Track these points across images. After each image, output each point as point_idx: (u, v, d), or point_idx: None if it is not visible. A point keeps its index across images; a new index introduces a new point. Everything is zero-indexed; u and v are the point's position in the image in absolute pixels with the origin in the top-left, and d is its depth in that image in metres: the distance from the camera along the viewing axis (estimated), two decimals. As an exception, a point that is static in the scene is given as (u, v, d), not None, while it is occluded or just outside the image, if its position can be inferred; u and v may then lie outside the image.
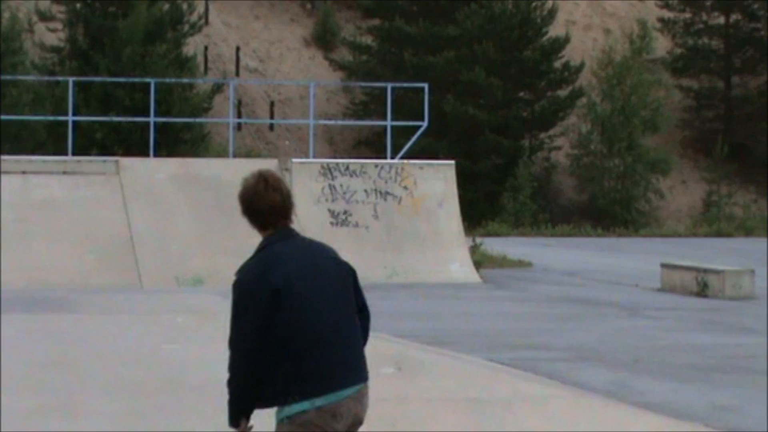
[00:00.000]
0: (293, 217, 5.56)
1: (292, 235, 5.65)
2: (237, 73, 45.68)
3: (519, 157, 42.57)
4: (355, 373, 5.32)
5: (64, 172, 21.70)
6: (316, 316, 5.29)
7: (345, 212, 21.90)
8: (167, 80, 32.12)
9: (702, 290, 19.68)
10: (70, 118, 24.04)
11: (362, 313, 5.50)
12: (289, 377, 5.27)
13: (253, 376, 5.34)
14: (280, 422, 5.42)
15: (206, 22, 44.84)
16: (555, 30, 45.33)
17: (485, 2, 43.79)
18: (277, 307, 5.23)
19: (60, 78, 32.22)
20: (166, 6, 37.81)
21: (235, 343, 5.27)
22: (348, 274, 5.59)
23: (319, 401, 5.24)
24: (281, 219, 5.65)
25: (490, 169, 42.95)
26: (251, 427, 5.36)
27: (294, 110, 45.23)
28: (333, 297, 5.41)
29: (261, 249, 5.57)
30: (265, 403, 5.41)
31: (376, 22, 46.19)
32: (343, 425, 5.26)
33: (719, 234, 37.65)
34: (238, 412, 5.40)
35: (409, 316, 15.79)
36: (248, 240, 21.39)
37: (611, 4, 53.15)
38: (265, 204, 5.68)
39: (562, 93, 45.00)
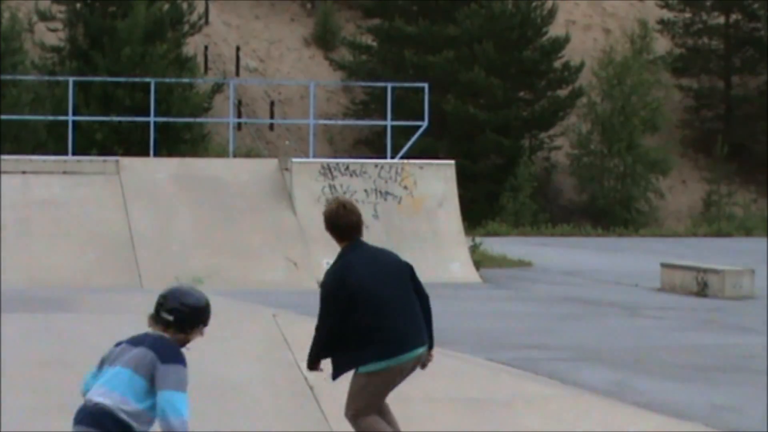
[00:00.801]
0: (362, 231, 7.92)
1: (362, 245, 7.99)
2: (237, 73, 45.68)
3: (519, 157, 42.57)
4: (416, 339, 7.75)
5: (64, 172, 21.70)
6: (385, 304, 7.66)
7: (345, 212, 21.90)
8: (167, 80, 32.11)
9: (702, 290, 19.68)
10: (70, 118, 24.03)
11: (420, 295, 7.90)
12: (368, 346, 7.62)
13: (327, 353, 7.79)
14: (358, 373, 7.72)
15: (206, 22, 44.84)
16: (555, 30, 45.33)
17: (485, 2, 43.79)
18: (354, 303, 7.59)
19: (60, 78, 32.22)
20: (166, 6, 37.80)
21: (319, 329, 7.76)
22: (405, 269, 8.01)
23: (391, 362, 7.64)
24: (355, 233, 8.01)
25: (490, 169, 42.96)
26: (322, 370, 7.83)
27: (294, 110, 45.23)
28: (396, 288, 7.80)
29: (341, 257, 7.93)
30: (350, 365, 7.74)
31: (376, 22, 46.19)
32: (401, 378, 7.81)
33: (719, 234, 37.65)
34: (316, 361, 7.86)
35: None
36: (248, 240, 21.44)
37: (611, 4, 53.15)
38: (344, 223, 7.99)
39: (562, 93, 45.00)
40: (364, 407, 7.71)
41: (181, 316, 6.22)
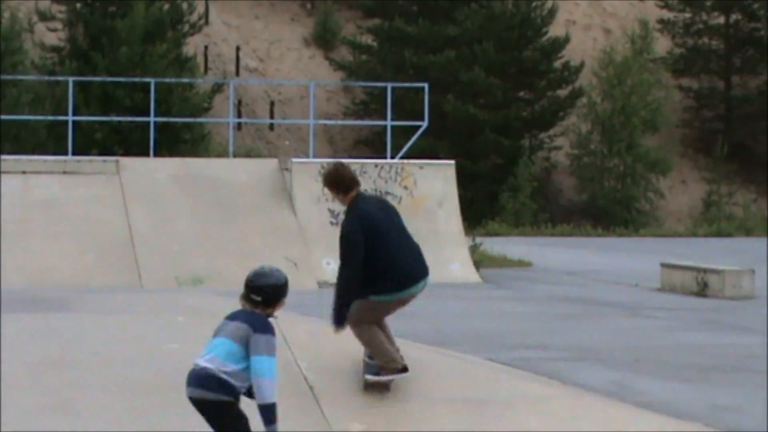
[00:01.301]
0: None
1: (366, 195, 9.63)
2: (237, 73, 45.69)
3: (519, 157, 42.58)
4: (421, 272, 9.40)
5: (64, 172, 21.69)
6: (395, 243, 9.30)
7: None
8: (167, 80, 32.11)
9: (702, 290, 19.67)
10: (70, 118, 24.03)
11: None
12: (383, 281, 9.18)
13: (358, 286, 9.12)
14: (368, 299, 9.19)
15: (206, 22, 44.83)
16: (555, 30, 45.34)
17: (485, 2, 43.80)
18: (372, 245, 9.02)
19: (60, 78, 32.22)
20: (166, 6, 37.80)
21: (348, 276, 9.10)
22: (398, 213, 9.79)
23: (402, 294, 9.33)
24: (356, 185, 9.50)
25: (490, 169, 42.97)
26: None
27: (294, 110, 45.23)
28: (400, 229, 9.59)
29: (352, 208, 9.37)
30: (363, 295, 9.20)
31: (376, 21, 46.20)
32: (406, 303, 9.42)
33: (719, 234, 37.65)
34: (342, 316, 9.20)
35: (409, 316, 15.77)
36: (248, 240, 21.39)
37: (611, 4, 53.15)
38: (346, 175, 9.48)
39: (562, 93, 45.01)
40: (367, 322, 9.32)
41: (266, 296, 7.81)
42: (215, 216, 21.22)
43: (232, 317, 7.82)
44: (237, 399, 7.51)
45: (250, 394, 7.57)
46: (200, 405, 7.48)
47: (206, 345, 7.77)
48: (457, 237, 22.26)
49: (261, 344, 7.51)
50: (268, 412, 7.38)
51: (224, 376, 7.47)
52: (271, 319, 7.74)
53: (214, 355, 7.59)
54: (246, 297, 7.89)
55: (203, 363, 7.57)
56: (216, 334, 7.80)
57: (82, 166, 21.95)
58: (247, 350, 7.53)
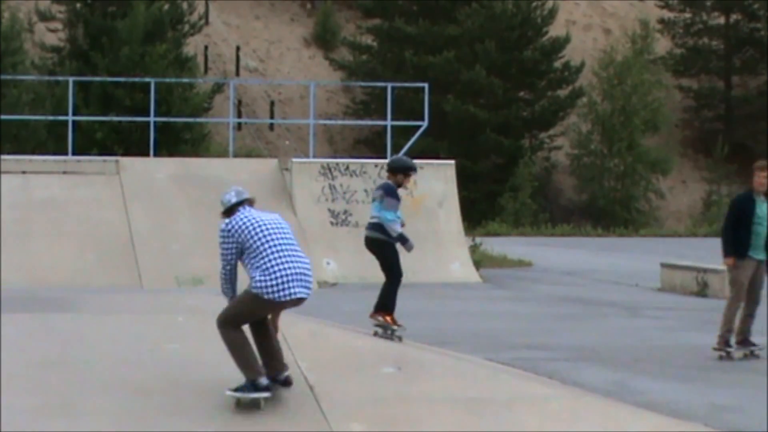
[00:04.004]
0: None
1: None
2: (237, 73, 45.70)
3: (519, 157, 42.58)
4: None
5: (64, 172, 21.70)
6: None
7: (345, 212, 21.91)
8: (167, 80, 32.11)
9: (702, 290, 19.68)
10: (70, 117, 24.03)
11: None
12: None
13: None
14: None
15: (206, 22, 44.86)
16: (555, 30, 45.35)
17: (486, 2, 43.80)
18: None
19: (60, 78, 32.22)
20: (166, 6, 37.81)
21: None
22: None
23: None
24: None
25: (490, 169, 42.97)
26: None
27: (294, 110, 45.23)
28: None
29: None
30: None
31: (376, 21, 46.20)
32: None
33: (719, 234, 37.61)
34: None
35: (409, 316, 15.77)
36: (248, 240, 20.67)
37: (611, 4, 53.15)
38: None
39: (563, 93, 45.01)
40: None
41: (394, 168, 11.96)
42: (215, 216, 21.14)
43: (377, 186, 12.16)
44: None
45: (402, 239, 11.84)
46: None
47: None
48: (457, 237, 22.27)
49: (386, 202, 11.74)
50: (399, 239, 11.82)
51: (377, 221, 11.78)
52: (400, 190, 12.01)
53: (373, 211, 11.88)
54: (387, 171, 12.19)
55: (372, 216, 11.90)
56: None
57: (82, 166, 21.95)
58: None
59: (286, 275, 8.68)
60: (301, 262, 8.81)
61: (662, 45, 48.97)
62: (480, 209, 39.25)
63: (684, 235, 37.71)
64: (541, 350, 13.06)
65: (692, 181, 47.30)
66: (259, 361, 8.78)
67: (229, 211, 9.03)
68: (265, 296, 8.64)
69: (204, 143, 37.32)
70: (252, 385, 8.69)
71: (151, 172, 22.10)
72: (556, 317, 16.53)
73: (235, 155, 28.03)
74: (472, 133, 42.61)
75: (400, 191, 12.03)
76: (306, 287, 8.78)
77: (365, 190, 22.04)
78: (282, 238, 8.81)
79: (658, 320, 16.35)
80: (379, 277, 21.01)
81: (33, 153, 28.61)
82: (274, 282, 8.65)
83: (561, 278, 22.66)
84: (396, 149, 24.67)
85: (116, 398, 8.91)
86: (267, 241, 8.76)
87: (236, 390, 8.72)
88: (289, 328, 10.49)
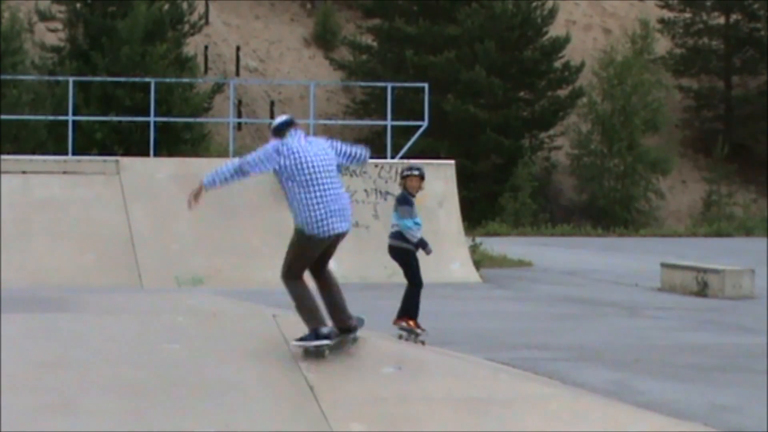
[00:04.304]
0: None
1: None
2: (237, 73, 45.70)
3: (519, 157, 42.58)
4: None
5: (64, 172, 21.69)
6: None
7: (345, 212, 21.89)
8: (167, 80, 32.11)
9: (702, 290, 19.67)
10: (70, 117, 24.03)
11: None
12: None
13: None
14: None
15: (206, 22, 44.86)
16: (555, 30, 45.35)
17: (486, 2, 43.81)
18: None
19: (60, 78, 32.22)
20: (166, 6, 37.81)
21: None
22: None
23: None
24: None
25: (490, 169, 42.97)
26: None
27: (294, 110, 45.23)
28: None
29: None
30: None
31: (376, 21, 46.20)
32: None
33: (719, 234, 37.66)
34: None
35: (409, 316, 15.78)
36: (248, 240, 21.43)
37: (611, 4, 53.16)
38: None
39: (563, 93, 45.02)
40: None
41: (401, 176, 13.12)
42: (215, 216, 21.21)
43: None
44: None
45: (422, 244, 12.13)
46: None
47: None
48: (457, 237, 22.26)
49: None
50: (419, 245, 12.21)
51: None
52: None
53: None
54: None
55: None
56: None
57: (82, 166, 21.95)
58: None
59: (327, 211, 9.38)
60: (341, 197, 9.49)
61: (662, 45, 48.97)
62: (480, 209, 39.25)
63: (684, 235, 37.71)
64: (541, 350, 13.06)
65: (692, 181, 47.30)
66: (321, 312, 9.52)
67: (280, 131, 9.56)
68: (307, 232, 9.40)
69: (204, 143, 37.33)
70: (314, 334, 9.42)
71: (151, 172, 22.09)
72: (556, 317, 16.53)
73: (235, 155, 27.99)
74: (472, 133, 42.61)
75: (400, 191, 12.33)
76: (346, 221, 9.51)
77: (365, 190, 22.03)
78: (326, 177, 9.43)
79: (658, 320, 16.35)
80: (379, 277, 21.07)
81: (33, 153, 28.61)
82: (315, 218, 9.38)
83: (561, 278, 22.65)
84: (396, 149, 24.67)
85: (116, 398, 8.91)
86: (312, 178, 9.38)
87: (301, 339, 9.49)
88: (289, 328, 10.48)
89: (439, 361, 10.76)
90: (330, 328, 9.53)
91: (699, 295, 19.55)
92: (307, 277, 9.95)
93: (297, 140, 9.53)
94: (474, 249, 23.75)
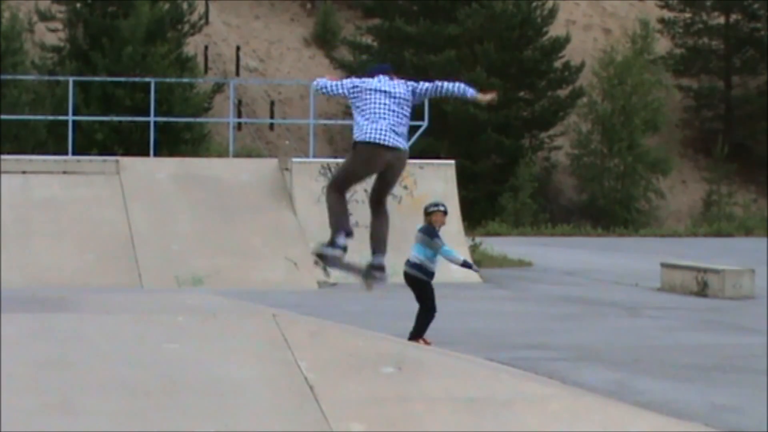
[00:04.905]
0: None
1: None
2: (237, 73, 45.70)
3: (519, 157, 42.57)
4: None
5: (65, 172, 21.71)
6: None
7: (345, 212, 21.89)
8: (167, 80, 32.11)
9: (702, 290, 19.68)
10: (70, 117, 24.04)
11: None
12: None
13: None
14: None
15: (206, 22, 44.85)
16: (555, 30, 45.34)
17: (486, 2, 43.80)
18: None
19: (60, 78, 32.23)
20: (166, 6, 37.82)
21: None
22: None
23: None
24: None
25: (490, 169, 42.96)
26: None
27: (294, 110, 45.24)
28: None
29: None
30: None
31: (376, 21, 46.19)
32: None
33: (719, 234, 37.66)
34: None
35: (409, 316, 15.79)
36: (248, 240, 21.46)
37: (611, 4, 53.16)
38: None
39: (563, 93, 45.01)
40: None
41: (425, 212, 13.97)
42: (215, 216, 21.22)
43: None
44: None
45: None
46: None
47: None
48: (457, 237, 22.27)
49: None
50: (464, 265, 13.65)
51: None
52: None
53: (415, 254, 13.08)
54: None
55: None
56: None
57: (82, 166, 21.96)
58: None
59: (378, 127, 9.98)
60: (398, 126, 10.03)
61: (662, 45, 48.97)
62: (480, 209, 39.24)
63: (684, 235, 37.71)
64: (541, 350, 13.07)
65: (692, 181, 47.31)
66: (345, 225, 10.46)
67: (369, 72, 10.27)
68: (358, 140, 9.99)
69: (204, 143, 37.34)
70: (330, 243, 10.46)
71: (151, 172, 22.10)
72: (556, 317, 16.53)
73: (235, 155, 28.04)
74: (472, 133, 42.60)
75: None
76: (397, 140, 9.98)
77: (365, 190, 21.95)
78: (386, 105, 10.05)
79: (658, 320, 16.36)
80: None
81: (33, 153, 28.61)
82: (366, 130, 10.02)
83: (561, 278, 22.66)
84: (396, 149, 24.65)
85: (116, 398, 8.91)
86: (368, 106, 10.08)
87: (321, 247, 10.53)
88: (289, 327, 10.49)
89: (439, 361, 10.76)
90: (345, 239, 10.39)
91: (699, 295, 19.56)
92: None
93: (370, 79, 10.15)
94: (474, 249, 23.76)
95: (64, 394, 8.98)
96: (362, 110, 10.09)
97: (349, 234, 10.33)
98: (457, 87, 10.39)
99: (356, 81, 10.22)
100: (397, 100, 10.10)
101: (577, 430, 8.77)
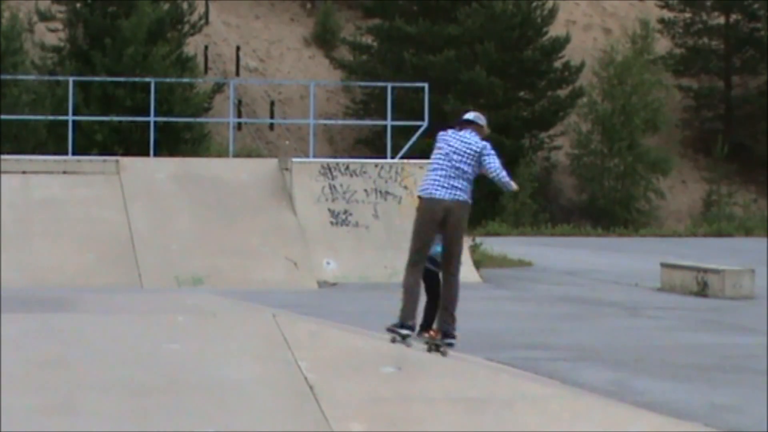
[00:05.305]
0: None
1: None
2: (237, 73, 45.69)
3: (520, 157, 42.55)
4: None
5: (64, 172, 21.71)
6: None
7: (345, 212, 21.91)
8: (167, 80, 32.11)
9: (702, 290, 19.68)
10: (70, 117, 24.04)
11: None
12: None
13: None
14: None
15: (206, 22, 44.84)
16: (555, 30, 45.33)
17: (486, 2, 43.78)
18: None
19: (60, 78, 32.22)
20: (166, 6, 37.82)
21: None
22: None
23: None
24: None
25: (490, 169, 42.88)
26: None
27: (294, 110, 45.23)
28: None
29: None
30: None
31: (376, 21, 46.17)
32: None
33: (719, 234, 37.65)
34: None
35: (409, 316, 15.78)
36: (248, 240, 21.50)
37: (611, 4, 53.15)
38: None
39: (563, 93, 44.99)
40: None
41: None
42: (215, 216, 21.22)
43: None
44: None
45: None
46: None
47: None
48: (457, 237, 22.24)
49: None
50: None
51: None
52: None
53: None
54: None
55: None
56: None
57: (82, 166, 21.96)
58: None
59: (434, 182, 10.57)
60: (453, 180, 10.57)
61: (662, 45, 48.95)
62: (480, 209, 39.19)
63: (684, 235, 37.70)
64: (541, 350, 13.07)
65: (692, 181, 47.30)
66: (409, 317, 10.68)
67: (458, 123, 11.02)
68: (417, 194, 10.74)
69: (204, 143, 37.32)
70: (399, 324, 10.70)
71: (151, 172, 22.10)
72: (556, 317, 16.53)
73: (235, 155, 28.04)
74: (472, 133, 42.54)
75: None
76: (448, 193, 10.52)
77: (365, 190, 22.04)
78: (449, 162, 10.61)
79: (658, 320, 16.36)
80: (379, 277, 21.07)
81: (33, 153, 28.61)
82: (421, 185, 10.73)
83: (561, 278, 22.66)
84: (396, 149, 24.68)
85: (116, 398, 8.91)
86: (433, 158, 10.75)
87: (391, 326, 10.76)
88: (289, 328, 10.49)
89: (438, 361, 10.76)
90: (412, 324, 10.66)
91: (699, 295, 19.55)
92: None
93: (452, 133, 10.85)
94: (474, 249, 23.75)
95: (64, 394, 8.98)
96: (432, 164, 10.77)
97: (410, 328, 10.57)
98: (504, 177, 10.88)
99: (439, 134, 10.91)
100: (459, 153, 10.61)
101: (577, 430, 8.77)
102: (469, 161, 10.65)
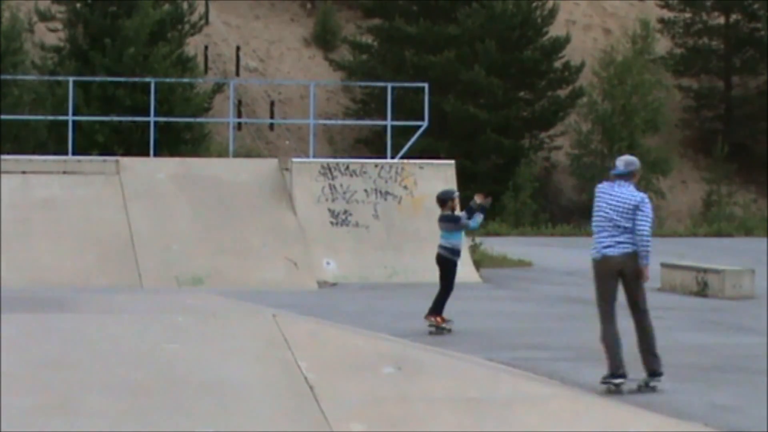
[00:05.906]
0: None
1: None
2: (237, 73, 45.68)
3: (520, 157, 42.56)
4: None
5: (65, 172, 21.71)
6: None
7: (345, 212, 21.91)
8: (167, 80, 32.11)
9: (702, 290, 19.68)
10: (70, 117, 24.05)
11: None
12: None
13: None
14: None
15: (206, 22, 44.84)
16: (555, 30, 45.32)
17: (486, 2, 43.78)
18: None
19: (60, 78, 32.22)
20: (166, 6, 37.82)
21: None
22: None
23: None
24: None
25: (490, 169, 42.93)
26: None
27: (294, 110, 45.24)
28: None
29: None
30: None
31: (376, 21, 46.17)
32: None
33: (719, 234, 37.64)
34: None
35: (409, 316, 15.80)
36: (248, 240, 21.50)
37: (611, 4, 53.15)
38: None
39: (563, 93, 44.99)
40: None
41: (439, 201, 15.08)
42: (215, 216, 21.22)
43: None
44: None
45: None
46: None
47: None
48: (457, 237, 22.25)
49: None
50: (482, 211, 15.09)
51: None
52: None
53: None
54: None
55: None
56: None
57: (82, 166, 21.97)
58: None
59: (594, 243, 11.00)
60: (618, 236, 10.90)
61: (662, 45, 48.95)
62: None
63: (684, 235, 37.69)
64: (541, 350, 13.07)
65: (692, 181, 47.30)
66: (618, 360, 10.80)
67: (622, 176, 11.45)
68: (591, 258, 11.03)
69: (204, 143, 37.33)
70: (610, 374, 10.80)
71: (151, 172, 22.10)
72: (556, 317, 16.53)
73: (235, 155, 28.04)
74: (472, 133, 42.58)
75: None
76: (616, 249, 10.86)
77: (365, 190, 22.04)
78: (608, 223, 10.99)
79: (658, 320, 16.29)
80: (379, 277, 21.10)
81: (33, 153, 28.61)
82: (593, 247, 11.02)
83: (561, 278, 22.66)
84: (396, 149, 24.68)
85: (116, 398, 8.91)
86: (595, 217, 11.13)
87: (603, 377, 10.79)
88: (289, 327, 10.49)
89: (439, 361, 10.76)
90: (623, 373, 10.81)
91: (699, 295, 19.55)
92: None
93: (608, 187, 11.39)
94: (474, 249, 23.76)
95: (64, 394, 8.99)
96: (593, 219, 11.25)
97: (622, 376, 10.82)
98: (644, 247, 10.97)
99: (597, 188, 11.38)
100: (614, 207, 11.07)
101: (577, 430, 8.77)
102: (628, 216, 11.05)
